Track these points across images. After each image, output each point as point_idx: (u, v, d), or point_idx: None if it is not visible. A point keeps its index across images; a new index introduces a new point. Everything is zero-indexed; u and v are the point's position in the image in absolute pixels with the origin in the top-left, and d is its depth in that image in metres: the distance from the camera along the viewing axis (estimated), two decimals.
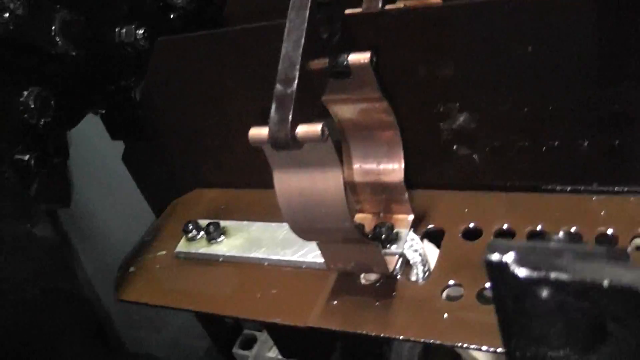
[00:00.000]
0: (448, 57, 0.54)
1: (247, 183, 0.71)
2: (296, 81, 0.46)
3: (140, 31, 0.68)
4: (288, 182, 0.49)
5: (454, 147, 0.58)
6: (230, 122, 0.69)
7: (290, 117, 0.45)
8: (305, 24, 0.47)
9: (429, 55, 0.54)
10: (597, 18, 0.47)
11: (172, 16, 0.74)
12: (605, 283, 0.22)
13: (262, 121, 0.46)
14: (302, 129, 0.45)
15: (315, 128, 0.45)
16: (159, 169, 0.78)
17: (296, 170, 0.48)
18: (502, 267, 0.25)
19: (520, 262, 0.24)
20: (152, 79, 0.70)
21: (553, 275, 0.23)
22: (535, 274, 0.23)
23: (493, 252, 0.26)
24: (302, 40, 0.47)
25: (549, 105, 0.52)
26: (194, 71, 0.68)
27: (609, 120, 0.51)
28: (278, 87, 0.47)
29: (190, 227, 0.67)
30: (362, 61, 0.50)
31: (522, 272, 0.24)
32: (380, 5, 0.54)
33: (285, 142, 0.46)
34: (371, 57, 0.50)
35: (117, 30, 0.67)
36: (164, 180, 0.79)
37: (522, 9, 0.49)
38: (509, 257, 0.25)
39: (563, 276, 0.23)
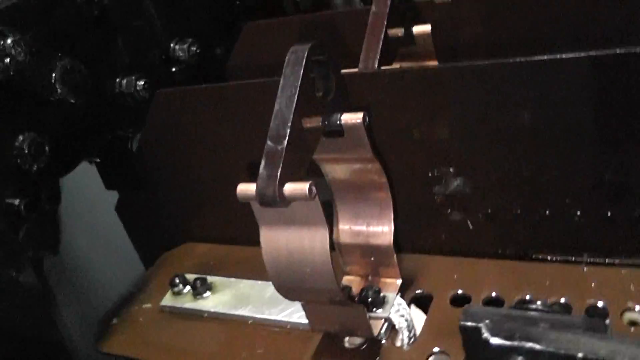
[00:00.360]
0: (443, 120, 0.54)
1: (239, 239, 0.70)
2: (287, 138, 0.46)
3: (141, 82, 0.68)
4: (275, 240, 0.48)
5: (447, 211, 0.57)
6: (224, 178, 0.68)
7: (278, 174, 0.45)
8: (299, 81, 0.47)
9: (424, 117, 0.54)
10: (595, 87, 0.47)
11: (174, 69, 0.74)
12: (580, 355, 0.21)
13: (249, 176, 0.46)
14: (289, 187, 0.45)
15: (303, 186, 0.45)
16: (151, 221, 0.78)
17: (283, 228, 0.48)
18: (476, 334, 0.24)
19: (493, 330, 0.24)
20: (149, 130, 0.70)
21: (527, 345, 0.22)
22: (508, 343, 0.22)
23: (467, 318, 0.25)
24: (295, 97, 0.47)
25: (544, 173, 0.52)
26: (192, 124, 0.68)
27: (603, 190, 0.50)
28: (269, 143, 0.47)
29: (177, 280, 0.66)
30: (355, 121, 0.50)
31: (495, 340, 0.23)
32: (376, 65, 0.55)
33: (273, 200, 0.45)
34: (364, 117, 0.50)
35: (117, 80, 0.68)
36: (155, 233, 0.78)
37: (519, 74, 0.49)
38: (483, 324, 0.24)
39: (537, 346, 0.22)
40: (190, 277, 0.66)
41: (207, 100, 0.66)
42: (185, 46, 0.74)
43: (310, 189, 0.44)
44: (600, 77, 0.47)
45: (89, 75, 0.63)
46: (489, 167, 0.54)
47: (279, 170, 0.45)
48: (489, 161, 0.54)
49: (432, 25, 0.62)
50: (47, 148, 0.60)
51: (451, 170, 0.56)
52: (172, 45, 0.74)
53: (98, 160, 0.73)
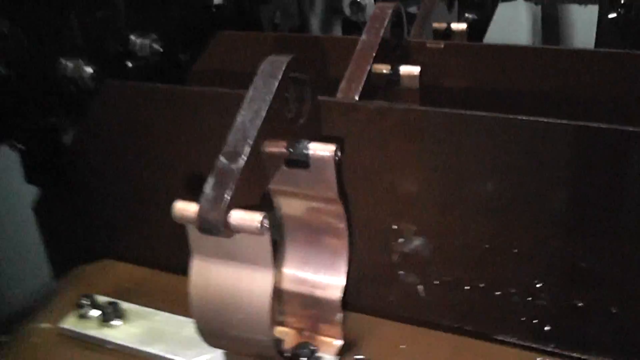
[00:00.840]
0: (417, 171, 0.50)
1: (166, 265, 0.63)
2: (244, 157, 0.40)
3: (89, 69, 0.61)
4: (207, 274, 0.42)
5: (402, 272, 0.53)
6: (163, 192, 0.61)
7: (227, 197, 0.39)
8: (271, 95, 0.41)
9: (398, 163, 0.50)
10: (574, 161, 0.45)
11: (130, 64, 0.68)
12: None
13: (189, 194, 0.39)
14: (237, 215, 0.39)
15: (253, 218, 0.39)
16: (72, 227, 0.69)
17: (221, 262, 0.42)
18: None
19: None
20: (88, 125, 0.63)
21: None
22: None
23: None
24: (263, 113, 0.41)
25: (512, 248, 0.49)
26: (138, 127, 0.61)
27: (575, 278, 0.47)
28: (222, 159, 0.41)
29: (85, 301, 0.57)
30: (324, 153, 0.45)
31: None
32: (357, 97, 0.49)
33: (215, 226, 0.39)
34: (336, 151, 0.44)
35: (62, 61, 0.61)
36: (74, 241, 0.70)
37: (501, 131, 0.46)
38: None
39: None
40: (102, 299, 0.58)
41: (162, 102, 0.59)
42: (147, 41, 0.68)
43: (262, 222, 0.38)
44: (581, 151, 0.44)
45: (28, 47, 0.55)
46: (454, 232, 0.50)
47: (229, 192, 0.38)
48: (455, 226, 0.50)
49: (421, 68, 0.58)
50: None
51: (414, 228, 0.51)
52: (132, 37, 0.68)
53: (22, 147, 0.64)
